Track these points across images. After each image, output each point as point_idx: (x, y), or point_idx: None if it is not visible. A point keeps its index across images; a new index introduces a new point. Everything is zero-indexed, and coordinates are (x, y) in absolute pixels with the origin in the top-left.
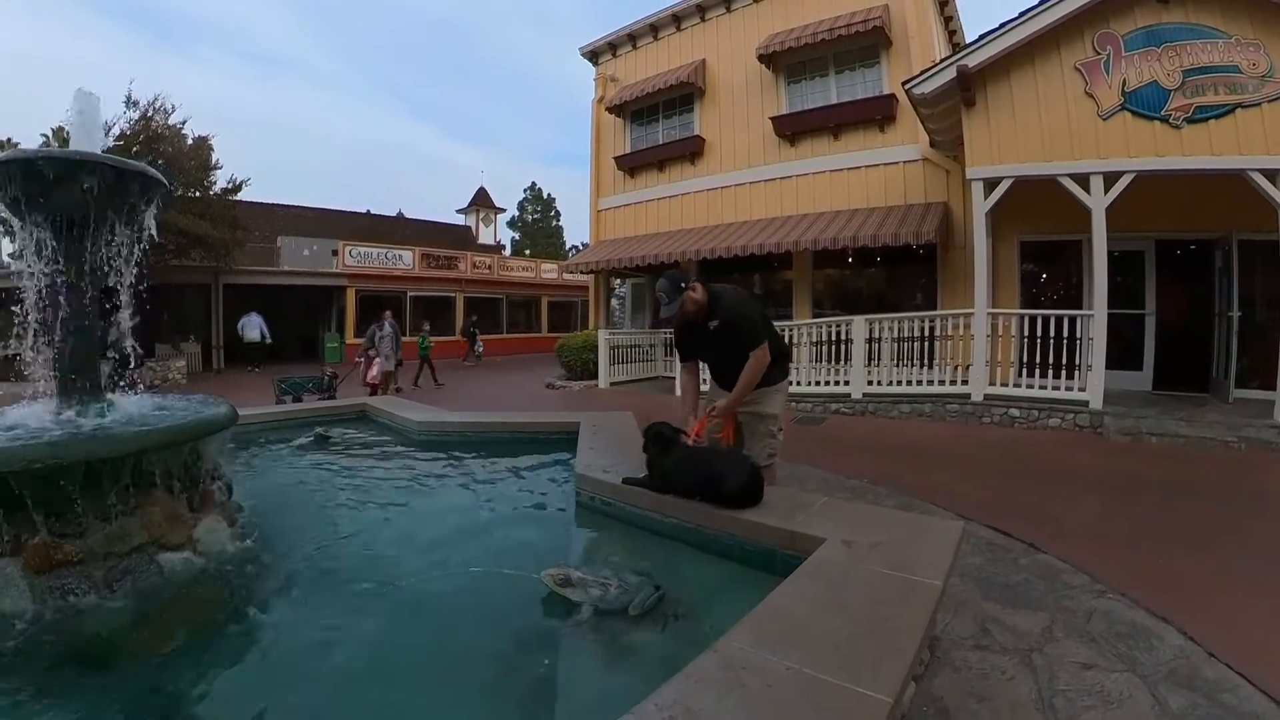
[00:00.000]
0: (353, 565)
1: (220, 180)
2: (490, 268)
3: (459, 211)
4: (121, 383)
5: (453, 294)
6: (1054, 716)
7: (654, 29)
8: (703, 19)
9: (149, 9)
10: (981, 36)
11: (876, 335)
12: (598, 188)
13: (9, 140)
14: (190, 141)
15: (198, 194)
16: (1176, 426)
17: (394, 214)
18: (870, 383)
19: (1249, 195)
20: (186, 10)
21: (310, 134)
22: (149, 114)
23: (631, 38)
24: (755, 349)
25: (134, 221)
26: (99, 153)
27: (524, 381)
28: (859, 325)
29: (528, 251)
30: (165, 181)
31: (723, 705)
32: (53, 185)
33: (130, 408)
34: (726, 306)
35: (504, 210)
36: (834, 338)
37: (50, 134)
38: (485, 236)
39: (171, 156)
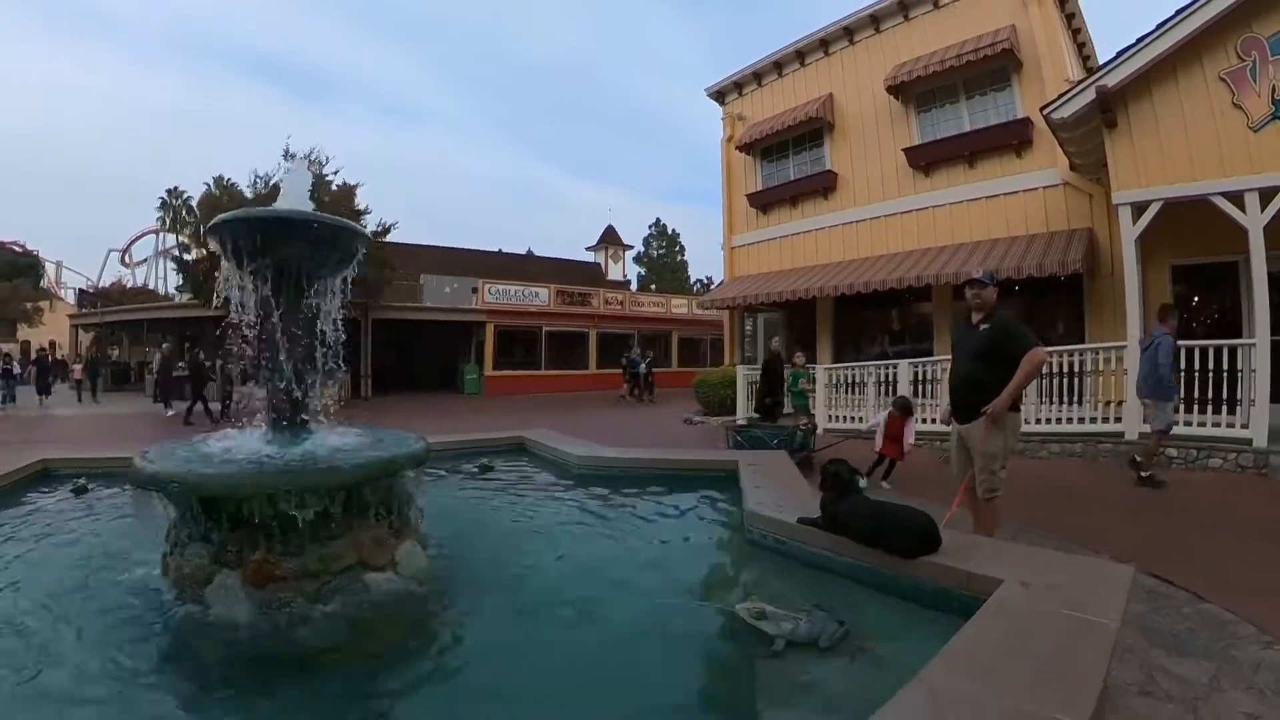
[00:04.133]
0: (541, 591)
1: (370, 224)
2: (621, 303)
3: (588, 249)
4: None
5: (586, 329)
6: None
7: (778, 66)
8: (826, 53)
9: (298, 69)
10: (1119, 53)
11: None
12: (730, 225)
13: (176, 188)
14: (337, 188)
15: None
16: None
17: (524, 252)
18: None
19: None
20: (332, 69)
21: (446, 179)
22: (306, 166)
23: (757, 76)
24: (1030, 360)
25: (343, 271)
26: (322, 213)
27: (662, 416)
28: None
29: (653, 286)
30: (369, 236)
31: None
32: (284, 240)
33: (331, 439)
34: (1002, 319)
35: (631, 247)
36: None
37: (211, 182)
38: (614, 273)
39: (327, 205)
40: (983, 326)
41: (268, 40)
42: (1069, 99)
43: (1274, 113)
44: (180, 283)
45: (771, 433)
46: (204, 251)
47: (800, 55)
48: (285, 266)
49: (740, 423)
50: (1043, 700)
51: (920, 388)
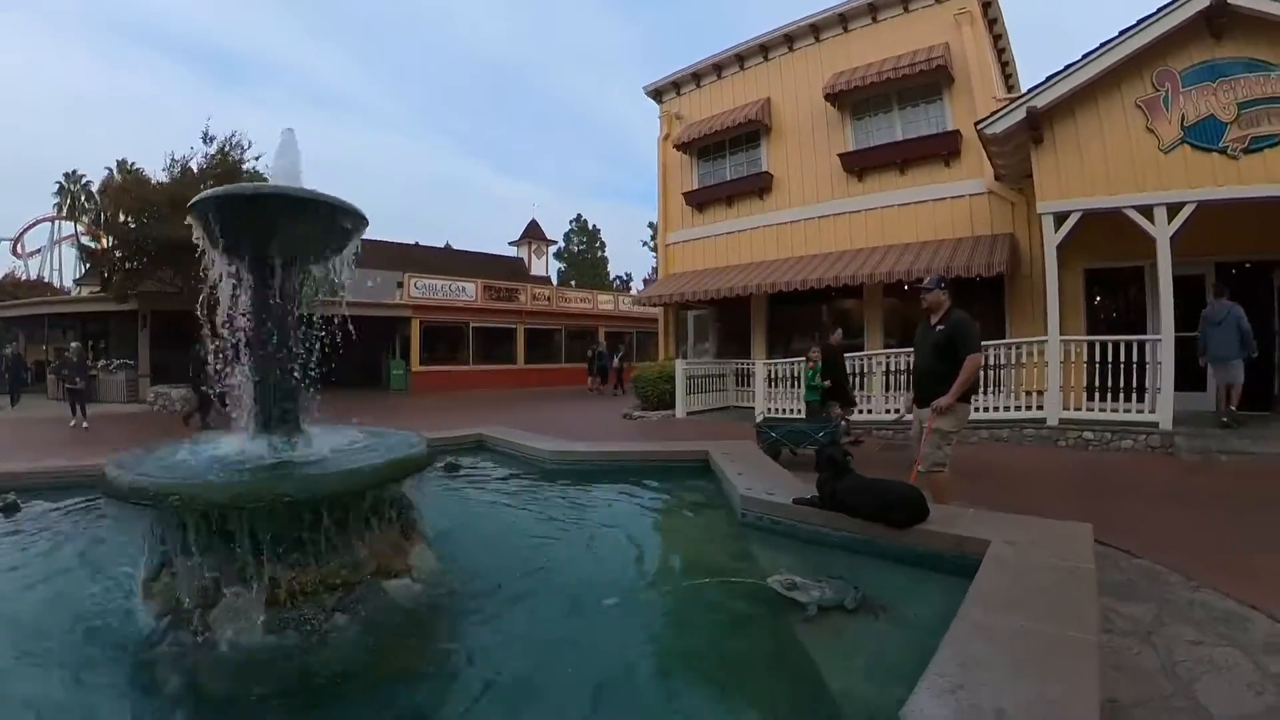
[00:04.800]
0: (571, 585)
1: None
2: (549, 299)
3: (511, 244)
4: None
5: (514, 325)
6: (1179, 682)
7: (718, 68)
8: (766, 58)
9: (217, 51)
10: (1049, 78)
11: None
12: (665, 222)
13: (74, 172)
14: (249, 171)
15: None
16: (1244, 444)
17: (441, 245)
18: None
19: None
20: (254, 53)
21: (361, 169)
22: (226, 150)
23: (695, 77)
24: (972, 355)
25: (339, 257)
26: (323, 191)
27: (597, 411)
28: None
29: (573, 282)
30: (367, 219)
31: (989, 648)
32: (279, 222)
33: (326, 440)
34: (958, 318)
35: (555, 242)
36: (896, 367)
37: (115, 166)
38: (537, 268)
39: None
40: (939, 327)
41: (180, 19)
42: (1002, 116)
43: (1183, 137)
44: (80, 274)
45: (816, 426)
46: (110, 241)
47: (740, 59)
48: (276, 251)
49: (763, 417)
50: (1062, 624)
51: (854, 380)
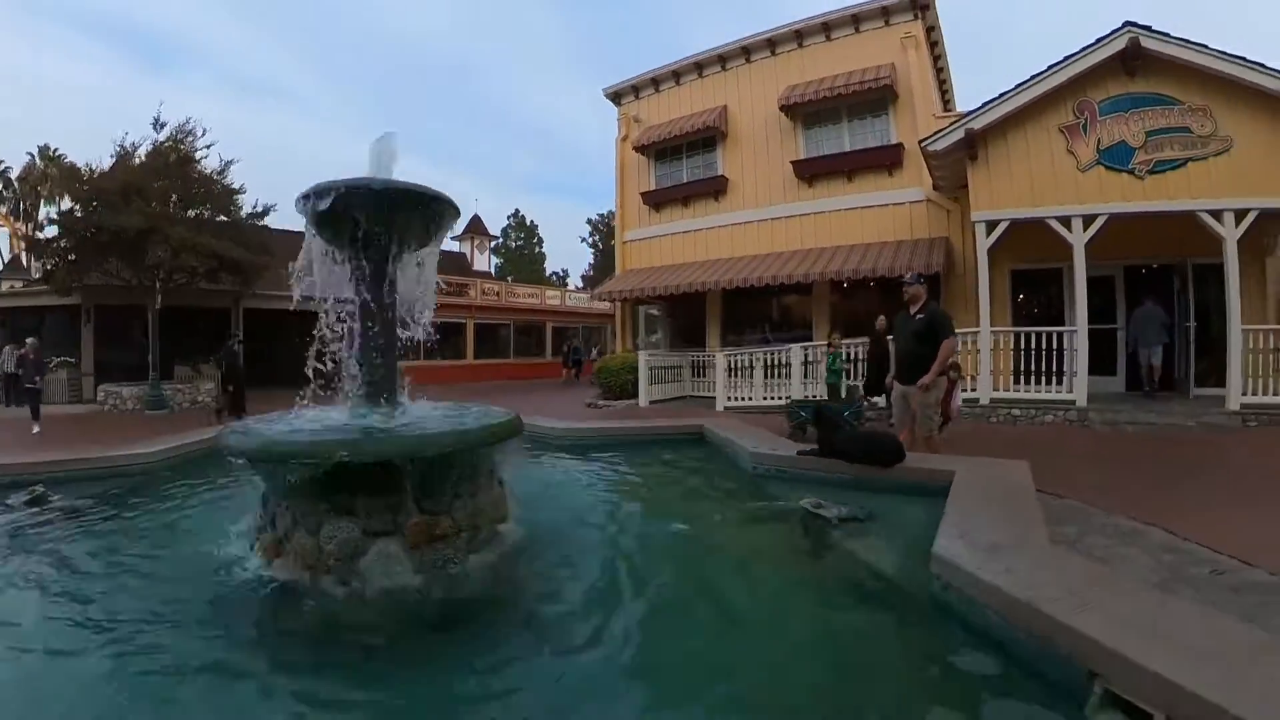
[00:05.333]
0: (627, 521)
1: (245, 206)
2: (499, 294)
3: (453, 239)
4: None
5: (464, 320)
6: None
7: (676, 75)
8: (724, 68)
9: (143, 33)
10: (985, 104)
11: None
12: (623, 221)
13: None
14: (219, 165)
15: (227, 218)
16: (1147, 417)
17: None
18: None
19: (1199, 229)
20: (181, 35)
21: (300, 159)
22: (178, 136)
23: (655, 82)
24: (948, 340)
25: (433, 246)
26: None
27: (560, 403)
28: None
29: (510, 278)
30: (459, 211)
31: (974, 519)
32: (393, 214)
33: (421, 411)
34: (933, 308)
35: (496, 238)
36: (856, 355)
37: (36, 153)
38: (480, 263)
39: (203, 179)
40: (918, 315)
41: None
42: (943, 136)
43: (1098, 159)
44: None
45: (842, 406)
46: (38, 231)
47: (699, 67)
48: (385, 238)
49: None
50: (1017, 509)
51: (807, 369)
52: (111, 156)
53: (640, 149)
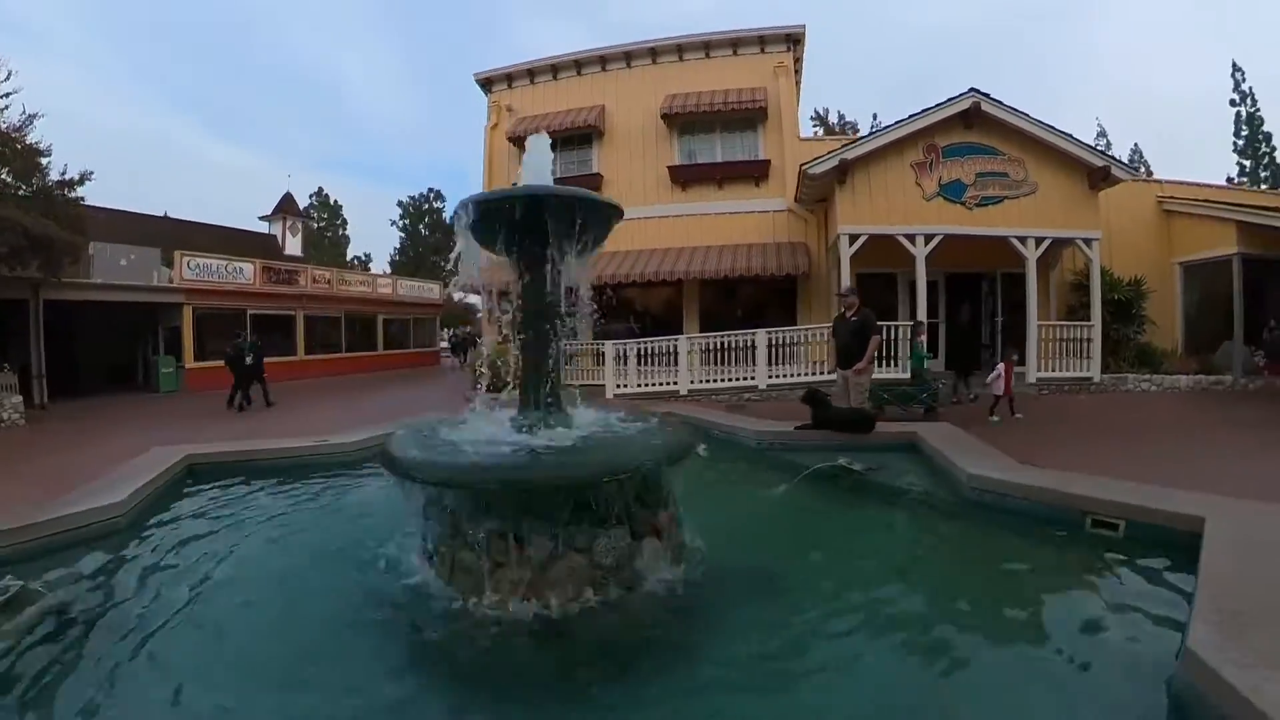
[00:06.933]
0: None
1: (53, 171)
2: (330, 283)
3: (262, 218)
4: None
5: (293, 311)
6: None
7: (554, 69)
8: (604, 69)
9: None
10: (858, 139)
11: (772, 343)
12: None
13: None
14: (20, 119)
15: (33, 188)
16: (963, 389)
17: (160, 215)
18: (771, 377)
19: (1008, 249)
20: None
21: (80, 125)
22: (7, 129)
23: (530, 73)
24: (875, 335)
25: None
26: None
27: (433, 396)
28: (761, 336)
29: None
30: (623, 211)
31: (957, 450)
32: (565, 218)
33: (587, 417)
34: (865, 312)
35: (310, 217)
36: (736, 345)
37: None
38: (292, 247)
39: None
40: (853, 318)
41: None
42: (822, 162)
43: (939, 192)
44: None
45: (919, 389)
46: None
47: (578, 65)
48: (549, 243)
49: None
50: (982, 455)
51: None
52: None
53: (513, 140)
